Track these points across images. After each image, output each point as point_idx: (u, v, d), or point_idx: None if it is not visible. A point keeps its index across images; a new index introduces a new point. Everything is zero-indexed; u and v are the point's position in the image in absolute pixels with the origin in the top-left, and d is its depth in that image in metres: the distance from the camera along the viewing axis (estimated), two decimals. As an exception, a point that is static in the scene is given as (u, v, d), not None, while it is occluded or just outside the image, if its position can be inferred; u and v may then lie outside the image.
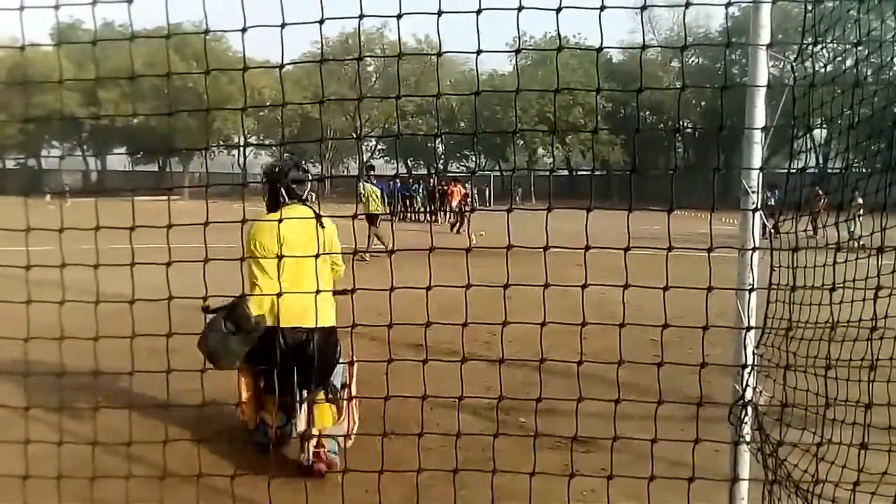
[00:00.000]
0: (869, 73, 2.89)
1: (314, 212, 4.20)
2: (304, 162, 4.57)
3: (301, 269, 3.94)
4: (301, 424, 4.20)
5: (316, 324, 3.80)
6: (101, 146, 65.56)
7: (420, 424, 2.88)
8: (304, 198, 4.30)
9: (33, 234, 2.90)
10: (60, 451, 3.10)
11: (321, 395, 4.20)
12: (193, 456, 3.63)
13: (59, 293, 2.89)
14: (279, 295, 3.43)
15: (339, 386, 4.30)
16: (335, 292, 4.26)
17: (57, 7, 2.72)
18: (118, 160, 71.85)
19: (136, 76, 2.96)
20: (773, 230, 2.66)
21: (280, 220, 3.72)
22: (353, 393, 4.30)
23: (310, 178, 4.39)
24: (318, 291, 3.26)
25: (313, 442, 4.02)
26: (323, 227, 4.06)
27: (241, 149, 63.26)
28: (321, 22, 2.68)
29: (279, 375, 3.85)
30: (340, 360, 4.34)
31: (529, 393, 2.91)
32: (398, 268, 2.88)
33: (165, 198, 3.79)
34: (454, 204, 25.65)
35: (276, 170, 4.28)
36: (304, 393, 4.16)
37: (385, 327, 2.90)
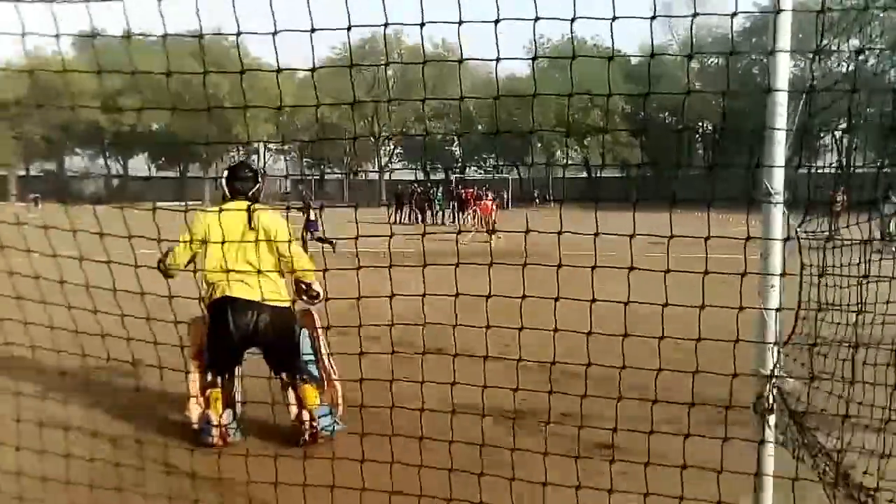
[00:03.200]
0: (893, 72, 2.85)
1: (249, 206, 4.42)
2: (254, 162, 4.85)
3: (236, 255, 4.25)
4: (293, 409, 4.52)
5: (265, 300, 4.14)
6: (123, 153, 66.50)
7: (449, 431, 2.89)
8: (249, 195, 4.56)
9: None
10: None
11: (299, 381, 4.52)
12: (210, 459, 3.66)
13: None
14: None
15: (313, 370, 4.63)
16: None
17: (88, 11, 2.76)
18: (140, 166, 72.72)
19: (169, 73, 2.99)
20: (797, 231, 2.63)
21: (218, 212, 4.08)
22: (328, 363, 4.67)
23: (252, 176, 4.63)
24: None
25: (307, 422, 4.41)
26: (251, 220, 4.33)
27: (261, 150, 63.75)
28: (348, 29, 2.73)
29: (221, 358, 4.36)
30: (305, 349, 4.64)
31: (553, 398, 2.90)
32: (419, 272, 2.89)
33: (184, 203, 3.88)
34: (482, 215, 25.42)
35: (224, 171, 4.68)
36: (283, 377, 4.54)
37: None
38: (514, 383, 2.90)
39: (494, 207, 24.52)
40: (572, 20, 2.59)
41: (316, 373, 4.64)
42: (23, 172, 62.70)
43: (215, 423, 4.39)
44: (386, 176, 61.76)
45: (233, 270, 4.06)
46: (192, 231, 4.38)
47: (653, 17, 2.52)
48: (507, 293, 2.77)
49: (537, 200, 52.05)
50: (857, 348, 2.50)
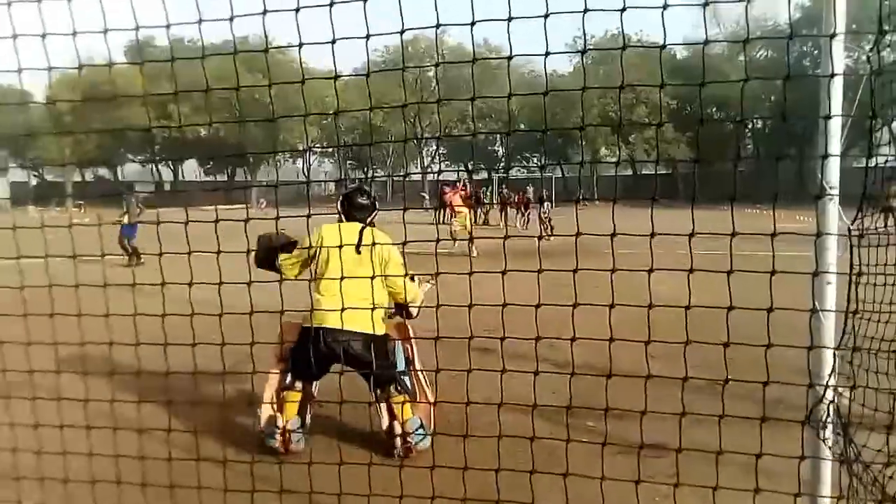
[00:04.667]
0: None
1: (363, 227, 4.54)
2: (369, 189, 4.96)
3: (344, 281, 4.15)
4: (385, 421, 4.54)
5: (369, 329, 4.20)
6: (175, 158, 68.32)
7: (497, 427, 2.91)
8: (366, 221, 4.67)
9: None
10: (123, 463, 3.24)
11: (394, 392, 4.53)
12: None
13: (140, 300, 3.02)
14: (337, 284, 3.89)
15: (407, 383, 4.64)
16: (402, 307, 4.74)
17: (137, 29, 2.87)
18: (191, 171, 74.57)
19: (209, 89, 3.08)
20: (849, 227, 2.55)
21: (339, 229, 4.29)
22: (421, 377, 4.72)
23: (369, 203, 4.74)
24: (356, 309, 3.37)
25: (399, 437, 4.41)
26: (360, 243, 4.38)
27: (306, 154, 64.56)
28: (402, 32, 2.76)
29: (305, 366, 4.34)
30: (401, 366, 4.68)
31: (598, 398, 2.88)
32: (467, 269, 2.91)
33: (240, 205, 3.97)
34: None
35: (341, 197, 4.81)
36: (378, 392, 4.52)
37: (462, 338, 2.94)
38: (560, 383, 2.89)
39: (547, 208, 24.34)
40: (622, 10, 2.56)
41: (409, 385, 4.67)
42: (78, 178, 64.94)
43: (280, 427, 4.41)
44: (430, 177, 62.04)
45: (334, 297, 4.06)
46: (306, 244, 4.54)
47: (705, 4, 2.47)
48: (558, 293, 2.77)
49: (581, 199, 51.56)
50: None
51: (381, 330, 4.46)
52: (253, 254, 4.33)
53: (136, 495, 3.47)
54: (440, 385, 3.43)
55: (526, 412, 3.01)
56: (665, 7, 2.50)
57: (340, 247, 4.02)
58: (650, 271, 2.67)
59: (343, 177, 63.37)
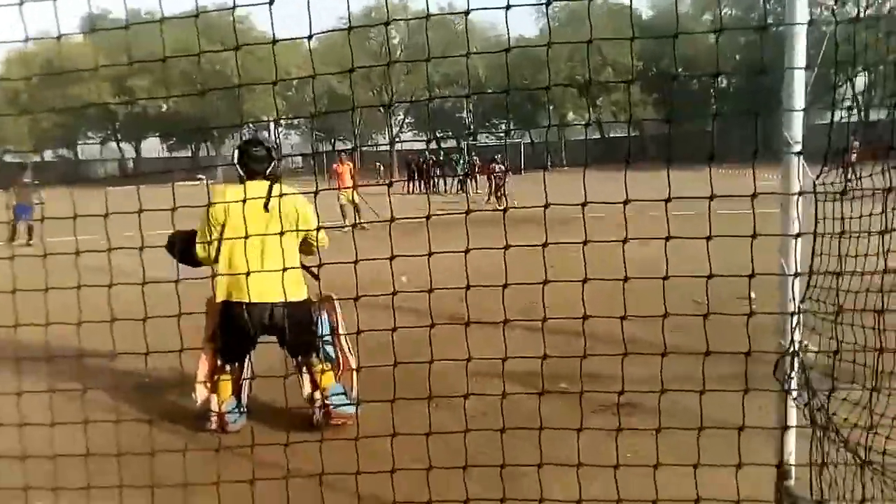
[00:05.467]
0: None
1: (270, 188, 4.16)
2: (265, 139, 4.56)
3: (255, 246, 3.97)
4: (306, 388, 4.48)
5: (285, 298, 3.82)
6: (136, 134, 66.84)
7: (464, 390, 2.90)
8: (268, 173, 4.33)
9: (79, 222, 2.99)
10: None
11: (315, 361, 4.45)
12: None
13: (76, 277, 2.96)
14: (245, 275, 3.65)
15: (330, 351, 4.56)
16: (305, 267, 4.38)
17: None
18: (153, 147, 72.91)
19: (165, 58, 2.98)
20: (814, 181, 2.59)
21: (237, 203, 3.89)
22: (345, 344, 4.58)
23: (265, 154, 4.36)
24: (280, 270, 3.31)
25: (318, 402, 4.36)
26: (268, 201, 4.07)
27: (273, 125, 63.57)
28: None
29: (233, 347, 4.32)
30: (324, 331, 4.54)
31: (573, 361, 2.90)
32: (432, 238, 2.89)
33: (200, 181, 3.87)
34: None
35: (235, 152, 4.40)
36: (299, 360, 4.46)
37: (417, 293, 2.92)
38: (534, 347, 2.90)
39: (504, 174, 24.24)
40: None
41: (332, 354, 4.59)
42: (38, 158, 63.19)
43: (215, 409, 4.37)
44: (398, 146, 61.55)
45: (250, 272, 3.70)
46: (214, 215, 4.23)
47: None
48: (524, 258, 2.77)
49: (549, 164, 51.67)
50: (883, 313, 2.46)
51: (301, 294, 4.30)
52: (172, 257, 4.25)
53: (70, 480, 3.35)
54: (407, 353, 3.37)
55: (499, 378, 3.03)
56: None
57: (242, 201, 3.75)
58: (624, 241, 2.67)
59: (313, 150, 62.56)
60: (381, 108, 55.09)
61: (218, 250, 4.28)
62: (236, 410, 4.45)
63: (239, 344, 4.34)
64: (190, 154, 70.29)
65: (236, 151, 4.40)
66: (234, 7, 2.68)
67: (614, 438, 2.85)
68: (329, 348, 4.57)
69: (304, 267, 4.35)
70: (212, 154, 67.30)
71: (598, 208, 2.70)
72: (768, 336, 2.70)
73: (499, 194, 23.04)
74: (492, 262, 2.85)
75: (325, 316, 4.62)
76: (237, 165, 4.35)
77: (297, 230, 4.29)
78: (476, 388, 2.99)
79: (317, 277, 4.18)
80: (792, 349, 2.58)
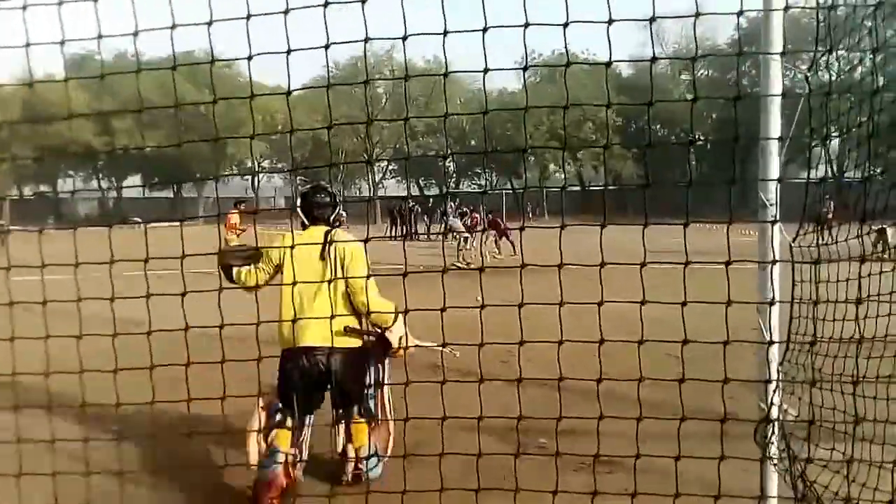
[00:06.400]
0: (883, 81, 2.85)
1: (327, 235, 4.18)
2: (328, 186, 4.52)
3: (311, 293, 4.05)
4: (340, 440, 4.31)
5: (332, 344, 3.86)
6: (117, 174, 66.55)
7: (440, 447, 2.84)
8: (330, 220, 4.36)
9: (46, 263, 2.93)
10: (88, 483, 3.09)
11: (355, 413, 4.30)
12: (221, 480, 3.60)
13: (75, 323, 2.89)
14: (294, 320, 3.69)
15: (371, 406, 4.38)
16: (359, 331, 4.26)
17: (63, 43, 2.75)
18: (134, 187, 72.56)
19: (144, 108, 2.98)
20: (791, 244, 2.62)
21: (292, 247, 3.83)
22: (387, 410, 4.40)
23: (329, 200, 4.38)
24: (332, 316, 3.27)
25: (352, 462, 4.18)
26: (325, 252, 4.10)
27: (255, 174, 63.64)
28: (326, 47, 2.69)
29: (296, 398, 4.07)
30: (370, 383, 4.36)
31: (551, 414, 2.86)
32: (410, 288, 2.86)
33: (178, 223, 3.83)
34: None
35: (298, 199, 4.43)
36: (340, 412, 4.30)
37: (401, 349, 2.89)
38: (512, 398, 2.86)
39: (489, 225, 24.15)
40: (565, 25, 2.56)
41: (372, 409, 4.41)
42: (16, 196, 62.59)
43: (280, 460, 3.96)
44: (381, 192, 61.85)
45: (305, 318, 3.84)
46: (269, 254, 4.25)
47: (652, 20, 2.49)
48: (510, 312, 2.75)
49: (530, 214, 52.21)
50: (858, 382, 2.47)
51: (356, 341, 4.20)
52: (217, 257, 4.22)
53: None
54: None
55: (476, 431, 2.97)
56: (610, 22, 2.50)
57: (293, 246, 3.82)
58: (600, 304, 2.67)
59: (293, 194, 62.68)
60: (364, 158, 55.45)
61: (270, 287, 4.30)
62: (300, 461, 4.20)
63: (298, 397, 4.11)
64: (172, 194, 70.01)
65: (299, 199, 4.43)
66: (213, 61, 2.69)
67: (591, 500, 2.79)
68: (371, 401, 4.40)
69: (358, 331, 4.23)
70: (192, 195, 67.10)
71: (580, 261, 2.71)
72: (747, 392, 2.68)
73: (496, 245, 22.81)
74: (469, 312, 2.83)
75: (373, 367, 4.43)
76: (300, 211, 4.37)
77: (345, 277, 4.17)
78: (454, 440, 2.93)
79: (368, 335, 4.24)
80: (771, 416, 2.56)
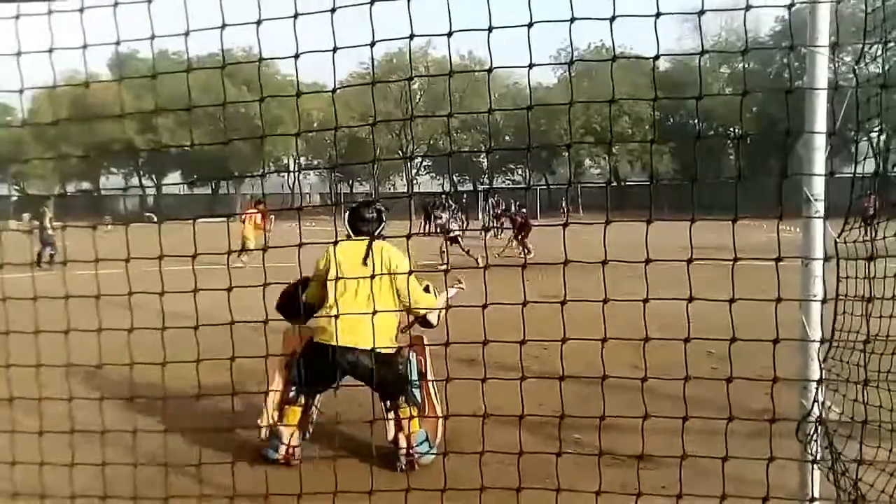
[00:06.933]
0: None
1: (371, 243, 4.48)
2: (377, 202, 4.83)
3: (354, 295, 4.35)
4: (391, 431, 4.48)
5: (373, 345, 3.92)
6: (158, 171, 67.99)
7: (476, 442, 2.87)
8: (373, 234, 4.61)
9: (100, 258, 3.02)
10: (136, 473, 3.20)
11: (402, 403, 4.47)
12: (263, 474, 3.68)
13: (126, 316, 2.98)
14: (336, 316, 3.90)
15: (416, 395, 4.58)
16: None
17: (118, 43, 2.83)
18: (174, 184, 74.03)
19: (192, 107, 3.06)
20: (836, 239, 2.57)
21: (335, 243, 4.03)
22: (431, 387, 4.65)
23: (375, 216, 4.67)
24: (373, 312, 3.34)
25: (403, 447, 4.36)
26: (368, 256, 4.39)
27: (294, 172, 64.31)
28: (372, 45, 2.72)
29: (311, 381, 4.36)
30: (413, 375, 4.59)
31: (586, 409, 2.86)
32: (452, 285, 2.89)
33: (222, 219, 3.94)
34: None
35: (348, 212, 4.77)
36: (388, 403, 4.49)
37: (442, 345, 2.92)
38: (549, 392, 2.86)
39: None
40: (612, 19, 2.55)
41: (419, 397, 4.60)
42: (60, 191, 64.29)
43: (285, 441, 4.38)
44: (415, 188, 62.07)
45: (345, 314, 4.00)
46: (318, 266, 4.57)
47: (701, 13, 2.46)
48: (547, 308, 2.75)
49: (564, 209, 51.86)
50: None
51: (390, 345, 4.44)
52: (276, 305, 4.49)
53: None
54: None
55: (511, 426, 2.99)
56: (658, 15, 2.48)
57: (334, 242, 4.00)
58: (645, 301, 2.65)
59: (330, 190, 63.35)
60: (400, 155, 55.67)
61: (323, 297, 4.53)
62: (300, 446, 4.49)
63: (318, 379, 4.37)
64: (210, 191, 71.21)
65: (348, 213, 4.75)
66: (261, 60, 2.74)
67: (635, 501, 2.78)
68: (416, 392, 4.59)
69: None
70: (231, 192, 68.11)
71: (616, 257, 2.69)
72: (787, 389, 2.64)
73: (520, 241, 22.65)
74: (507, 308, 2.85)
75: (413, 359, 4.66)
76: (346, 224, 4.69)
77: (391, 273, 4.46)
78: (491, 434, 2.95)
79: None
80: (814, 415, 2.52)
